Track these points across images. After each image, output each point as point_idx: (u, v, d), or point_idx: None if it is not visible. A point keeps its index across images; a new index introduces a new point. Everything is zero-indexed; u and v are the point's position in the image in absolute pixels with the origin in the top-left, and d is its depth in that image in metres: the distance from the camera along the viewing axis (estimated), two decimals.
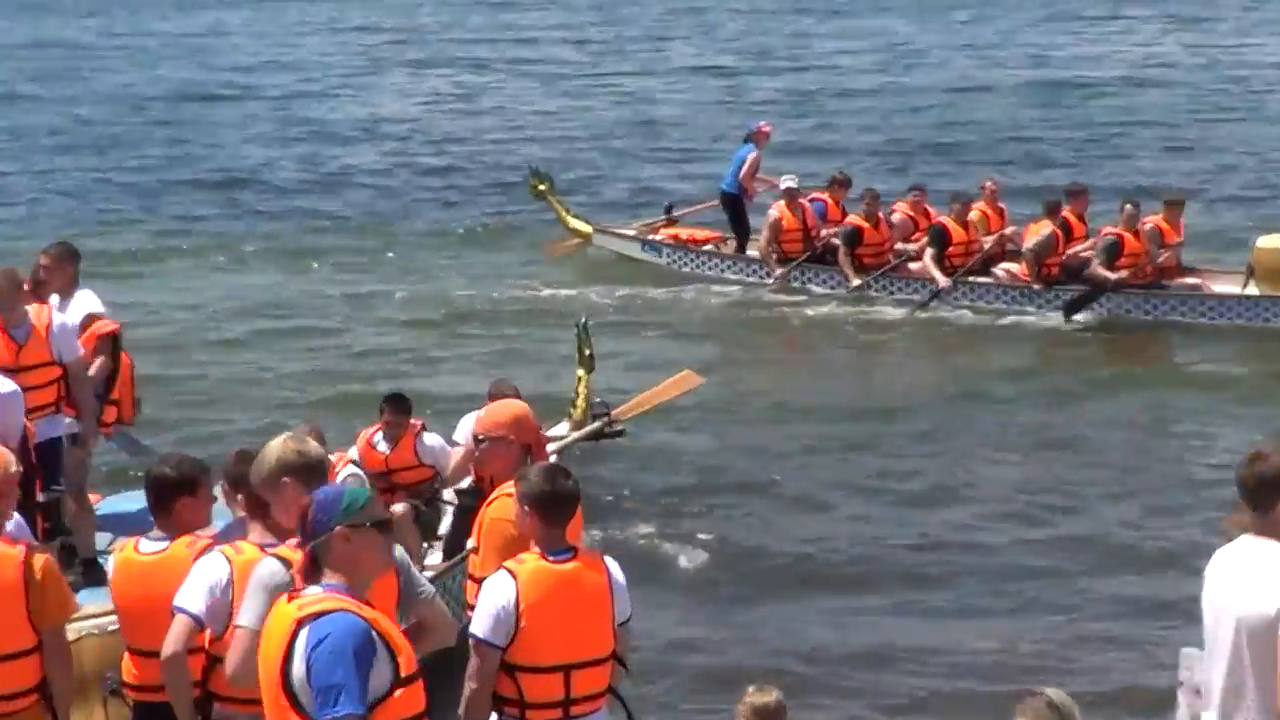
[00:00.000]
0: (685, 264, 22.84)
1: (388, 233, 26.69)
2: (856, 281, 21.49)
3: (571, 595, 7.26)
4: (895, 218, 21.95)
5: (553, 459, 8.90)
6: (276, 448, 7.13)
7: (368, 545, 6.22)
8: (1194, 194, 25.01)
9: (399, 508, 11.81)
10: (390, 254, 25.23)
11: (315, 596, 6.08)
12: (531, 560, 7.28)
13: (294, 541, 6.65)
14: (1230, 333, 20.15)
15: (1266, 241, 20.72)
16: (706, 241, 23.20)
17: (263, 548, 7.16)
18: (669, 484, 15.77)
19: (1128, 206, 20.65)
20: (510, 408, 8.49)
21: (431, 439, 13.18)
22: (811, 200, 22.39)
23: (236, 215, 28.33)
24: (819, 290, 21.86)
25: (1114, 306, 20.54)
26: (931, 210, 21.89)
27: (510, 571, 7.22)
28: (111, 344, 12.28)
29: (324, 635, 5.95)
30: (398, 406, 13.17)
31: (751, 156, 22.68)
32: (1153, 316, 20.53)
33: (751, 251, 22.59)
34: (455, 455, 12.79)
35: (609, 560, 7.44)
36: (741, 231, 22.81)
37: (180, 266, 24.82)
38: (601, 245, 23.68)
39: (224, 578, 7.20)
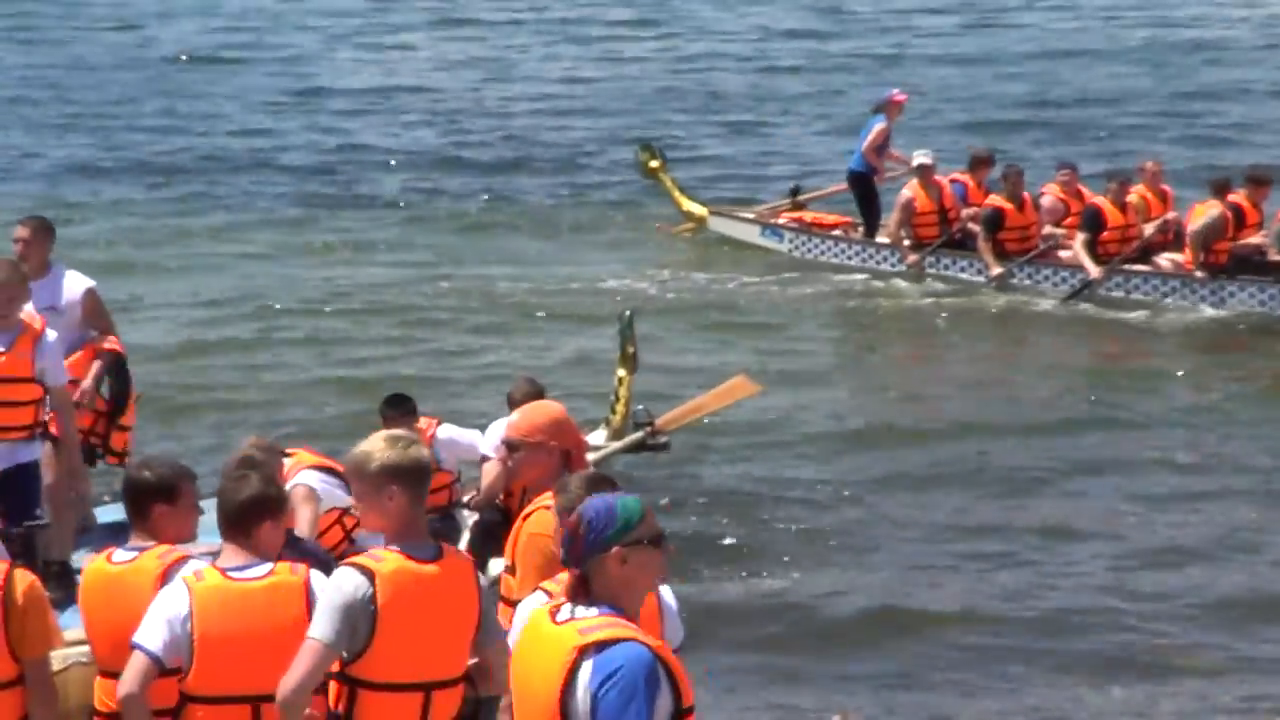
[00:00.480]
0: (809, 250, 22.24)
1: (419, 216, 25.53)
2: (998, 269, 20.81)
3: None
4: (1045, 200, 21.31)
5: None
6: (380, 447, 6.88)
7: (645, 566, 5.96)
8: None
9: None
10: (422, 240, 24.09)
11: (596, 621, 5.84)
12: None
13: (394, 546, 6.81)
14: None
15: None
16: (835, 226, 22.59)
17: (225, 572, 7.06)
18: (722, 516, 14.46)
19: None
20: (548, 409, 8.22)
21: (448, 432, 12.54)
22: (950, 181, 21.70)
23: (239, 196, 26.78)
24: (956, 278, 21.18)
25: None
26: (1086, 191, 21.18)
27: (549, 593, 6.83)
28: (116, 364, 11.78)
29: (614, 669, 5.73)
30: (400, 408, 12.14)
31: (878, 128, 22.07)
32: None
33: (883, 237, 21.84)
34: (488, 469, 12.16)
35: None
36: (871, 215, 22.15)
37: (172, 254, 23.35)
38: (717, 230, 22.87)
39: (183, 610, 7.04)
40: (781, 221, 22.47)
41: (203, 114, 32.71)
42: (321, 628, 6.71)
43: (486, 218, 25.21)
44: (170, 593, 7.11)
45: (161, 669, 7.01)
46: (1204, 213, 19.90)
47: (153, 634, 7.02)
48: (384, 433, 7.11)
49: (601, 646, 5.75)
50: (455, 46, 40.51)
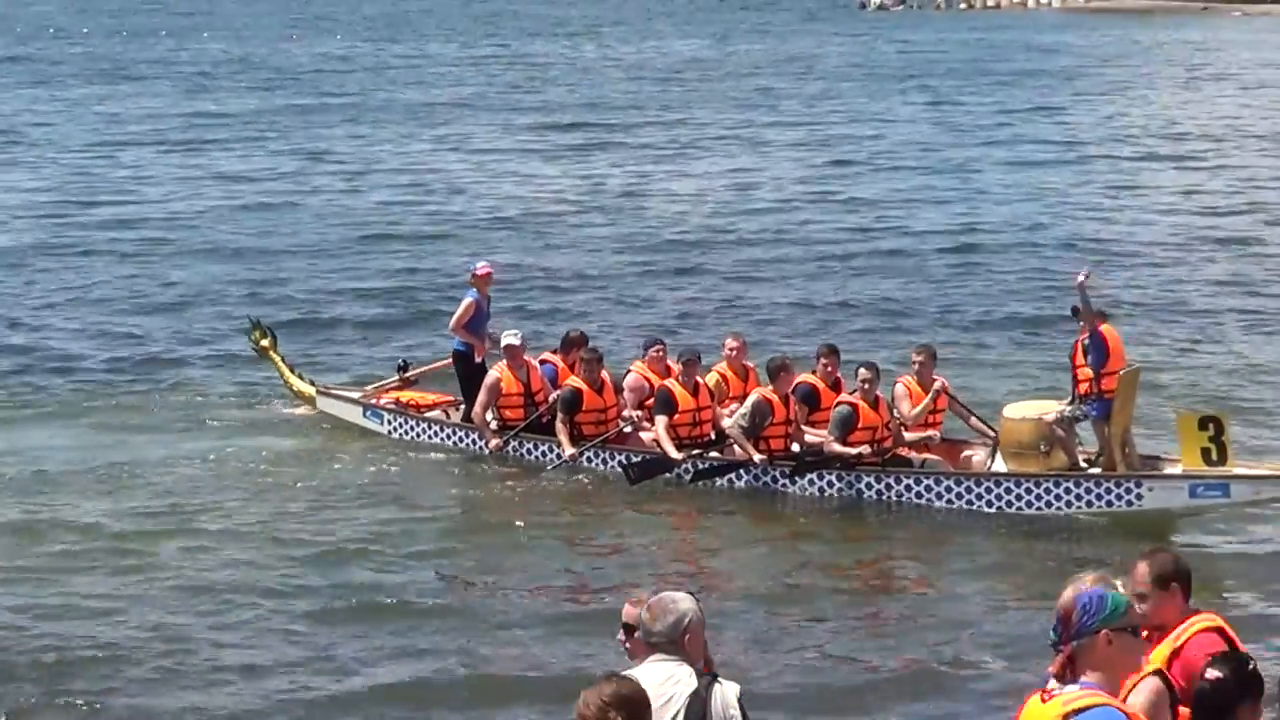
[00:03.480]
0: (407, 432, 21.57)
1: None
2: (570, 450, 20.38)
3: None
4: (630, 379, 20.87)
5: None
6: None
7: (1127, 649, 7.12)
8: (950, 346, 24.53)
9: None
10: None
11: (1077, 694, 6.96)
12: None
13: None
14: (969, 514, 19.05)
15: (1014, 411, 18.89)
16: (435, 406, 22.19)
17: None
18: None
19: (862, 370, 19.59)
20: None
21: None
22: (542, 361, 21.36)
23: None
24: (536, 462, 20.79)
25: (845, 486, 19.44)
26: (675, 369, 20.46)
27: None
28: None
29: None
30: None
31: (466, 303, 21.66)
32: (887, 496, 19.33)
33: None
34: None
35: None
36: (471, 393, 21.54)
37: None
38: (325, 410, 22.04)
39: None
40: (382, 402, 22.05)
41: None
42: None
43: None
44: None
45: None
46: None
47: None
48: None
49: (1081, 711, 6.90)
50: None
